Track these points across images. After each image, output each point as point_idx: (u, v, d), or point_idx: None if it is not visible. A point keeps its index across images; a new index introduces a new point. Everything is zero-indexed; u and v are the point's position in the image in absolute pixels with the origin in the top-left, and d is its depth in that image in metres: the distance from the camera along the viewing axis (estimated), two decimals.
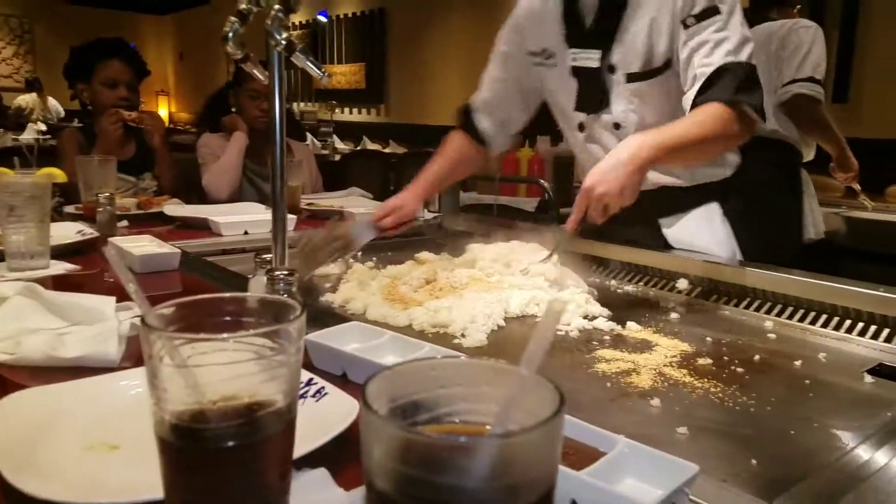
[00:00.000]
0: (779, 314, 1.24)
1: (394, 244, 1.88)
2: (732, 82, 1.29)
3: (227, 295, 0.49)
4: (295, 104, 9.94)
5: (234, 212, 1.94)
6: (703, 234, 1.53)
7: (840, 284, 1.20)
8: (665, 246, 1.55)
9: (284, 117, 0.96)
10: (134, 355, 0.90)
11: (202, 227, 1.83)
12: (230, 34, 0.97)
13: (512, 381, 0.32)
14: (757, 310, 1.27)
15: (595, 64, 1.45)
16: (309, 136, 6.59)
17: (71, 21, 11.49)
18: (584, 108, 1.51)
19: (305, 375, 0.72)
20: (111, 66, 2.31)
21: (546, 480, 0.30)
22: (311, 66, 0.92)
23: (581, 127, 1.56)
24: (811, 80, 2.52)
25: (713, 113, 1.29)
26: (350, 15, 9.12)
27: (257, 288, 1.01)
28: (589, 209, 1.22)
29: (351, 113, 9.25)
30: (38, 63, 11.60)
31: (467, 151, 1.70)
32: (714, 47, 1.32)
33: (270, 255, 1.04)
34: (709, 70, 1.31)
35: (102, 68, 2.30)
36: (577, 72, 1.49)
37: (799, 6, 2.82)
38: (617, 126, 1.49)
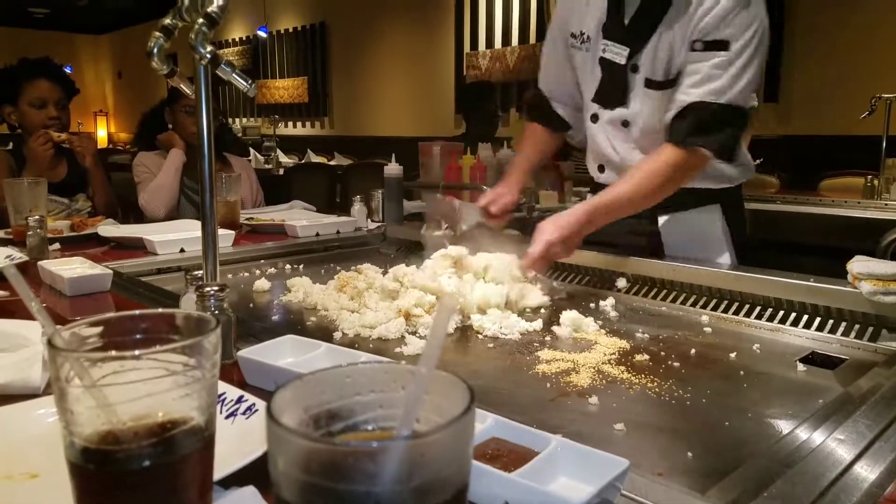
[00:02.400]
0: (714, 308, 1.28)
1: (338, 256, 1.87)
2: (693, 124, 1.34)
3: (139, 312, 0.47)
4: (237, 120, 9.79)
5: (170, 230, 1.89)
6: (699, 228, 1.56)
7: (771, 276, 1.23)
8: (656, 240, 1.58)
9: (213, 131, 0.94)
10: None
11: (138, 247, 1.77)
12: (155, 49, 0.95)
13: (414, 382, 0.31)
14: (693, 305, 1.30)
15: (622, 60, 1.47)
16: (252, 151, 6.50)
17: (4, 43, 11.07)
18: (601, 100, 1.54)
19: (236, 393, 0.70)
20: (38, 86, 2.23)
21: (458, 479, 0.30)
22: (238, 78, 0.91)
23: (594, 117, 1.59)
24: None
25: (668, 161, 1.36)
26: (290, 30, 9.04)
27: (188, 306, 0.98)
28: (538, 262, 1.31)
29: (294, 127, 9.16)
30: None
31: (548, 139, 1.74)
32: (703, 80, 1.34)
33: (201, 272, 1.01)
34: (685, 102, 1.36)
35: (29, 89, 2.22)
36: (604, 63, 1.51)
37: None
38: (625, 124, 1.52)
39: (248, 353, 0.80)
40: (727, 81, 1.33)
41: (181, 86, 1.03)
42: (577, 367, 0.96)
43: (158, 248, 1.71)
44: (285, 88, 9.07)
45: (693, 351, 1.06)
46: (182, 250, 1.74)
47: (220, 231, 1.87)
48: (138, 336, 0.47)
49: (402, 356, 1.01)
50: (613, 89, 1.50)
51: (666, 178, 1.36)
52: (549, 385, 0.91)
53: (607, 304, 1.30)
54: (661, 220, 1.56)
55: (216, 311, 0.89)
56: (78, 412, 0.42)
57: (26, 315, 1.13)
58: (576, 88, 1.65)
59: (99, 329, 0.45)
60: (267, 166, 5.82)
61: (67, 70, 11.81)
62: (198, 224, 2.07)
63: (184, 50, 0.86)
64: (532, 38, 6.16)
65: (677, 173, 1.37)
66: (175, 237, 1.76)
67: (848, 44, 4.43)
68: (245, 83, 0.92)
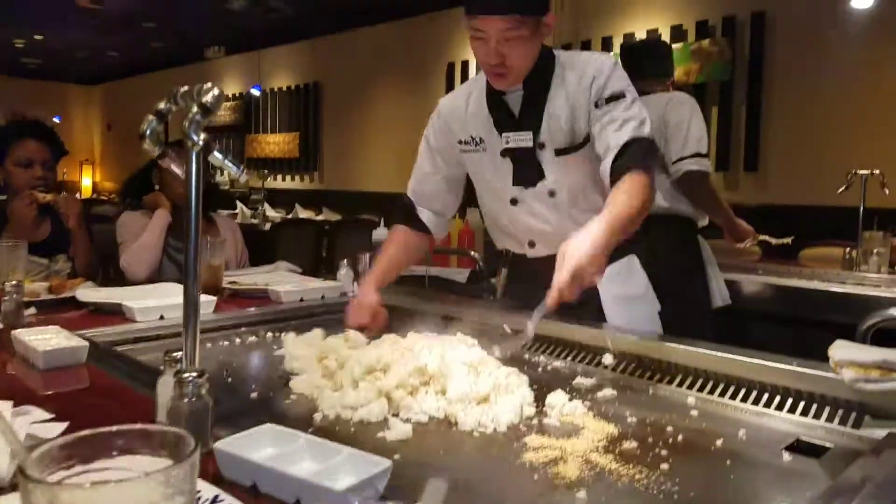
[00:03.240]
0: (700, 389, 1.27)
1: (323, 322, 1.84)
2: (640, 151, 1.54)
3: (115, 429, 0.45)
4: (226, 172, 9.83)
5: (151, 295, 1.86)
6: (627, 282, 1.72)
7: (755, 360, 1.24)
8: (595, 304, 1.66)
9: (200, 215, 0.93)
10: None
11: (116, 312, 1.74)
12: (147, 131, 0.96)
13: None
14: (679, 385, 1.30)
15: (528, 144, 1.66)
16: (239, 204, 6.51)
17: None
18: (521, 182, 1.70)
19: (211, 492, 0.67)
20: (26, 147, 2.23)
21: None
22: (230, 164, 0.91)
23: (514, 201, 1.73)
24: (697, 155, 2.62)
25: (637, 181, 1.49)
26: (284, 88, 9.21)
27: (165, 389, 0.95)
28: (570, 288, 1.29)
29: (284, 180, 9.22)
30: None
31: (414, 241, 1.87)
32: (622, 124, 1.57)
33: (180, 353, 0.99)
34: (620, 141, 1.55)
35: (17, 149, 2.22)
36: (512, 152, 1.68)
37: (672, 78, 2.95)
38: (552, 193, 1.69)
39: (226, 445, 0.77)
40: (639, 120, 1.58)
41: (172, 167, 1.03)
42: (565, 456, 0.95)
43: (138, 315, 1.68)
44: (276, 143, 9.17)
45: (680, 437, 1.04)
46: (162, 317, 1.71)
47: (202, 297, 1.86)
48: (115, 452, 0.45)
49: (385, 443, 0.99)
50: (530, 170, 1.68)
51: (646, 196, 1.49)
52: (536, 477, 0.89)
53: (594, 382, 1.29)
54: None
55: (194, 399, 0.87)
56: None
57: None
58: (448, 195, 1.85)
59: (73, 448, 0.44)
60: (253, 221, 5.83)
61: (56, 120, 11.93)
62: (179, 288, 2.04)
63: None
64: None
65: (649, 192, 1.51)
66: (155, 304, 1.73)
67: (822, 115, 4.58)
68: (236, 169, 0.93)
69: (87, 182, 12.64)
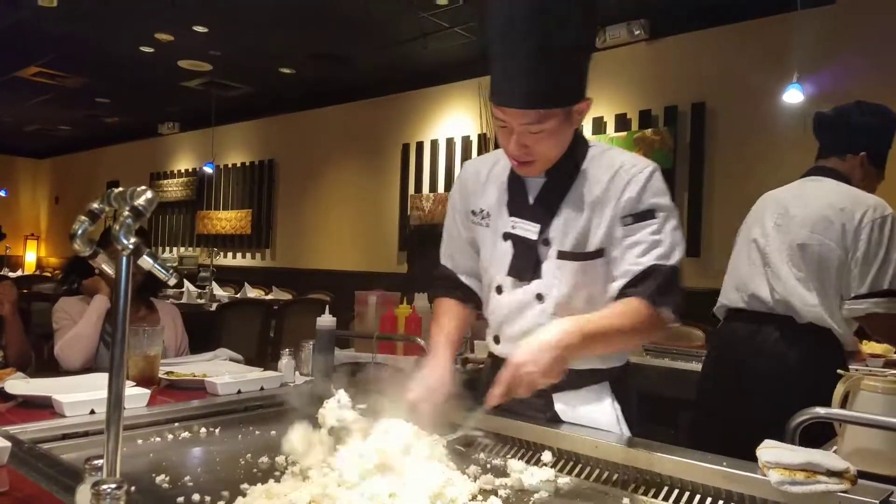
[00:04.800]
0: (634, 490, 1.27)
1: (259, 417, 1.80)
2: (654, 283, 1.40)
3: None
4: (174, 249, 9.70)
5: (82, 386, 1.79)
6: (593, 408, 1.55)
7: (684, 458, 1.25)
8: (554, 418, 1.55)
9: (128, 318, 0.93)
10: None
11: (46, 406, 1.67)
12: (79, 232, 0.96)
13: None
14: (614, 484, 1.30)
15: (533, 236, 1.50)
16: (186, 283, 6.39)
17: None
18: (515, 274, 1.54)
19: None
20: None
21: None
22: (158, 268, 0.92)
23: (499, 289, 1.59)
24: (890, 293, 2.04)
25: (635, 307, 1.39)
26: (238, 164, 9.26)
27: (83, 500, 0.91)
28: (513, 385, 1.26)
29: (234, 257, 9.12)
30: None
31: (462, 312, 1.70)
32: (648, 249, 1.42)
33: (101, 461, 0.95)
34: (639, 269, 1.41)
35: None
36: (513, 239, 1.54)
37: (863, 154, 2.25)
38: (539, 298, 1.52)
39: None
40: (668, 246, 1.42)
41: (103, 267, 1.03)
42: None
43: (67, 409, 1.61)
44: (228, 219, 9.13)
45: None
46: (92, 412, 1.65)
47: (134, 391, 1.80)
48: None
49: None
50: (526, 263, 1.53)
51: (640, 326, 1.39)
52: None
53: (534, 480, 1.28)
54: (557, 404, 1.56)
55: None
56: None
57: None
58: (476, 263, 1.69)
59: None
60: (199, 301, 5.71)
61: (2, 193, 11.64)
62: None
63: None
64: None
65: (646, 326, 1.41)
66: (86, 397, 1.67)
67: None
68: (165, 272, 0.93)
69: (31, 257, 12.27)
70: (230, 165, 9.32)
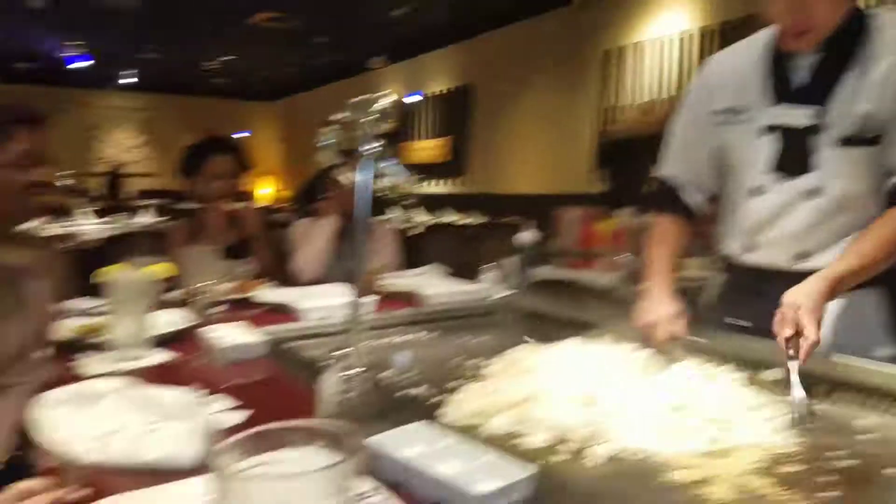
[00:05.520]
0: (877, 409, 1.15)
1: (467, 325, 1.89)
2: None
3: (292, 423, 0.51)
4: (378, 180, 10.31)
5: (318, 295, 2.02)
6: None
7: None
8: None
9: (370, 226, 1.01)
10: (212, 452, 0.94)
11: (288, 311, 1.91)
12: (323, 143, 1.04)
13: None
14: (852, 404, 1.19)
15: (803, 122, 1.35)
16: (391, 209, 6.80)
17: (188, 112, 12.64)
18: (782, 168, 1.40)
19: (363, 485, 0.72)
20: (218, 162, 2.50)
21: None
22: (399, 171, 0.98)
23: (756, 191, 1.45)
24: None
25: None
26: (437, 93, 9.51)
27: (329, 385, 1.04)
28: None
29: (433, 185, 9.51)
30: (161, 151, 12.75)
31: (679, 233, 1.59)
32: None
33: (344, 351, 1.07)
34: None
35: (210, 163, 2.50)
36: (779, 130, 1.40)
37: None
38: (814, 193, 1.37)
39: (378, 442, 0.83)
40: None
41: (345, 177, 1.12)
42: (714, 478, 0.90)
43: (306, 314, 1.84)
44: (429, 149, 9.50)
45: (852, 462, 0.95)
46: (327, 316, 1.86)
47: (363, 299, 1.99)
48: (289, 445, 0.51)
49: (533, 450, 0.99)
50: (795, 155, 1.37)
51: None
52: (677, 498, 0.86)
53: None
54: None
55: (355, 394, 0.95)
56: None
57: (191, 376, 1.26)
58: (709, 173, 1.57)
59: (253, 442, 0.50)
60: (404, 226, 6.07)
61: (243, 134, 13.12)
62: (344, 289, 2.21)
63: None
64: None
65: None
66: (322, 304, 1.89)
67: None
68: (406, 175, 0.98)
69: (267, 191, 13.78)
70: (429, 95, 9.61)
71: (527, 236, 2.07)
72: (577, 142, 7.16)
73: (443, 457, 0.80)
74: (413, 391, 1.29)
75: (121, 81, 11.76)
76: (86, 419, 0.93)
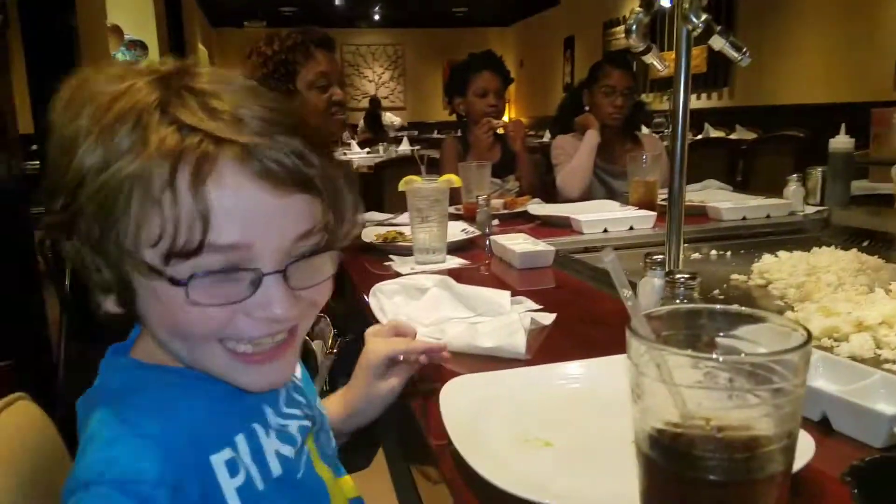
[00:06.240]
0: None
1: (769, 243, 1.70)
2: None
3: (720, 308, 0.45)
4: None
5: (592, 210, 1.95)
6: None
7: None
8: None
9: (688, 107, 0.91)
10: (532, 348, 0.94)
11: (561, 226, 1.88)
12: (634, 26, 0.96)
13: None
14: None
15: None
16: (643, 128, 6.43)
17: (433, 43, 13.15)
18: None
19: None
20: (482, 78, 2.51)
21: None
22: (730, 48, 0.85)
23: None
24: None
25: None
26: None
27: (648, 290, 0.97)
28: None
29: (697, 98, 8.77)
30: (407, 83, 13.51)
31: None
32: None
33: (661, 256, 1.00)
34: None
35: (475, 80, 2.52)
36: None
37: None
38: None
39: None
40: None
41: (654, 62, 1.02)
42: None
43: (584, 227, 1.78)
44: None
45: None
46: (605, 230, 1.79)
47: (641, 212, 1.88)
48: (698, 332, 0.45)
49: None
50: None
51: None
52: None
53: None
54: None
55: (685, 300, 0.87)
56: (651, 405, 0.42)
57: (481, 282, 1.28)
58: None
59: (676, 320, 0.45)
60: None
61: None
62: (615, 204, 2.13)
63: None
64: None
65: None
66: (599, 217, 1.82)
67: None
68: (737, 53, 0.86)
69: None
70: None
71: (843, 142, 1.77)
72: (877, 39, 6.01)
73: (874, 389, 0.67)
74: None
75: (375, 18, 12.57)
76: (418, 308, 0.98)
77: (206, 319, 0.54)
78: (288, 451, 0.62)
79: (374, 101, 10.47)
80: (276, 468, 0.60)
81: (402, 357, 0.83)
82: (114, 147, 0.51)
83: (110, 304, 0.57)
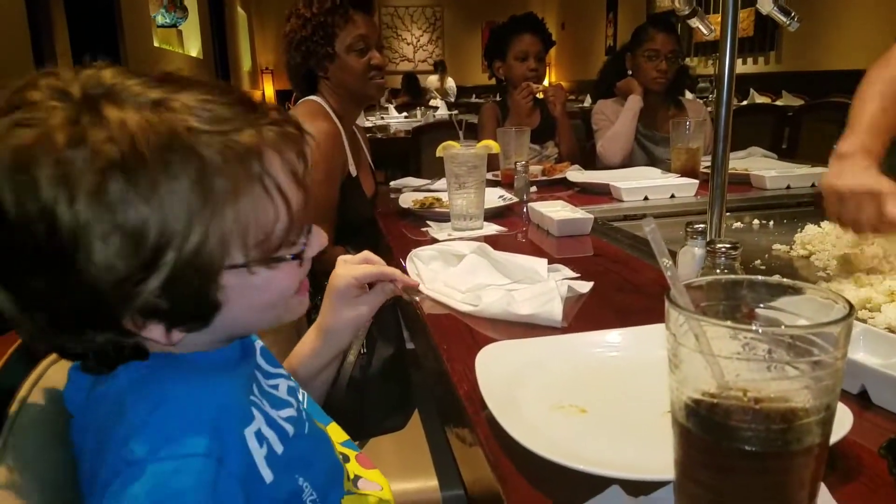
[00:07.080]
0: None
1: (814, 213, 1.66)
2: None
3: (760, 279, 0.45)
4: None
5: (632, 177, 1.92)
6: None
7: None
8: None
9: (734, 71, 0.88)
10: (568, 316, 0.94)
11: (601, 193, 1.86)
12: None
13: None
14: None
15: None
16: (687, 93, 6.26)
17: (472, 5, 12.89)
18: None
19: None
20: (523, 40, 2.46)
21: None
22: (778, 12, 0.83)
23: None
24: None
25: None
26: None
27: (688, 259, 0.97)
28: None
29: (742, 63, 8.49)
30: (446, 46, 13.30)
31: None
32: None
33: (702, 225, 0.98)
34: None
35: (516, 43, 2.46)
36: None
37: None
38: None
39: None
40: None
41: (699, 26, 0.99)
42: None
43: (624, 195, 1.76)
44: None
45: None
46: (646, 198, 1.76)
47: (683, 180, 1.85)
48: (738, 303, 0.45)
49: None
50: None
51: None
52: None
53: None
54: None
55: (726, 270, 0.86)
56: (689, 375, 0.42)
57: (518, 249, 1.28)
58: None
59: (716, 291, 0.45)
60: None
61: None
62: (656, 171, 2.09)
63: None
64: None
65: None
66: (639, 185, 1.79)
67: None
68: (785, 18, 0.83)
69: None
70: None
71: None
72: None
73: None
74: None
75: None
76: (455, 274, 0.99)
77: (299, 270, 0.62)
78: (290, 411, 0.66)
79: (412, 66, 10.37)
80: (289, 428, 0.63)
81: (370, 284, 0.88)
82: (208, 194, 0.52)
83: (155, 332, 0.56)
